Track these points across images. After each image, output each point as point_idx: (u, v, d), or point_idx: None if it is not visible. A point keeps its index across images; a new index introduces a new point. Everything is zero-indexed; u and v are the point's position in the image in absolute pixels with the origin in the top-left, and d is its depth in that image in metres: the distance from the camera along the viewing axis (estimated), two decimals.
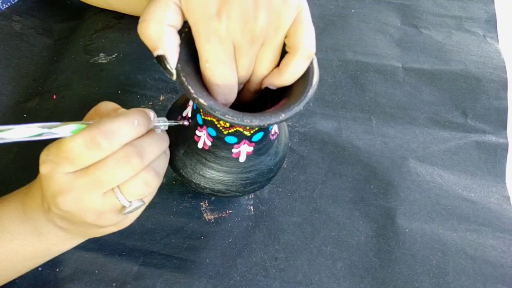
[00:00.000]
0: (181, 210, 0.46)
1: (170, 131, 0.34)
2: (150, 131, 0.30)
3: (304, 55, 0.28)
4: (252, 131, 0.32)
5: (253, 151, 0.35)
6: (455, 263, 0.45)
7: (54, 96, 0.52)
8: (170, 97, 0.53)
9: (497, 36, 0.65)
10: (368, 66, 0.60)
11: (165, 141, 0.31)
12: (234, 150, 0.34)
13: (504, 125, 0.56)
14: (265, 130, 0.34)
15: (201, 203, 0.46)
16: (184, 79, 0.27)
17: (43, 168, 0.27)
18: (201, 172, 0.35)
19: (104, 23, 0.60)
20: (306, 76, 0.30)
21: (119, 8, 0.60)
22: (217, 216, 0.46)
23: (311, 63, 0.30)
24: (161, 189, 0.46)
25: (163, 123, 0.31)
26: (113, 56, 0.57)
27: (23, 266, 0.36)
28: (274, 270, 0.43)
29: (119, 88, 0.54)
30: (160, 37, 0.26)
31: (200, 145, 0.34)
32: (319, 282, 0.43)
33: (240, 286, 0.42)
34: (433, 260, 0.45)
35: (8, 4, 0.59)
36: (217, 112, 0.26)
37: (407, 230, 0.46)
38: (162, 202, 0.46)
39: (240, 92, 0.32)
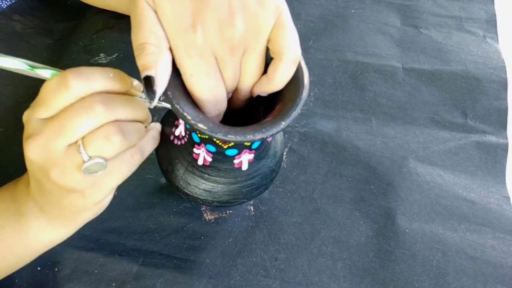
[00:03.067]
0: (181, 210, 0.46)
1: (166, 154, 0.33)
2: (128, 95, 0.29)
3: (291, 60, 0.27)
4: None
5: (254, 157, 0.34)
6: (455, 263, 0.45)
7: None
8: None
9: (497, 36, 0.65)
10: (368, 66, 0.60)
11: (141, 110, 0.29)
12: (236, 161, 0.34)
13: (504, 125, 0.56)
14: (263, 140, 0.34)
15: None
16: (178, 106, 0.26)
17: (24, 114, 0.27)
18: (206, 188, 0.35)
19: (104, 23, 0.60)
20: (296, 77, 0.29)
21: (118, 9, 0.60)
22: (217, 216, 0.46)
23: (300, 67, 0.29)
24: (161, 189, 0.47)
25: (145, 99, 0.29)
26: (113, 56, 0.57)
27: (2, 257, 0.34)
28: (274, 270, 0.43)
29: None
30: (155, 59, 0.25)
31: (200, 162, 0.34)
32: (319, 282, 0.43)
33: (240, 286, 0.42)
34: (433, 260, 0.45)
35: (9, 2, 0.59)
36: (219, 134, 0.26)
37: (407, 230, 0.46)
38: (162, 202, 0.46)
39: (229, 100, 0.31)
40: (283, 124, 0.27)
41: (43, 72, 0.27)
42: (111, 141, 0.26)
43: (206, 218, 0.45)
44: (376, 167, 0.51)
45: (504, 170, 0.52)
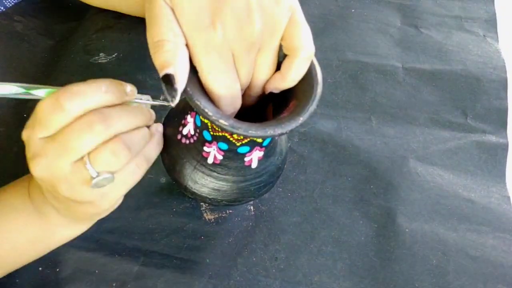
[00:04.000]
0: (181, 210, 0.46)
1: (172, 154, 0.33)
2: (125, 103, 0.28)
3: (305, 57, 0.28)
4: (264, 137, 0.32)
5: (263, 155, 0.34)
6: (455, 263, 0.45)
7: None
8: None
9: (497, 36, 0.65)
10: (368, 66, 0.60)
11: (141, 115, 0.29)
12: (246, 159, 0.34)
13: (504, 125, 0.56)
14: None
15: (201, 203, 0.46)
16: (199, 103, 0.26)
17: (24, 133, 0.27)
18: (215, 187, 0.35)
19: (104, 23, 0.60)
20: (308, 74, 0.30)
21: (119, 8, 0.60)
22: (217, 216, 0.46)
23: (312, 65, 0.30)
24: (161, 189, 0.47)
25: (143, 100, 0.30)
26: (113, 56, 0.57)
27: (26, 251, 0.35)
28: (274, 270, 0.43)
29: None
30: (174, 56, 0.25)
31: (210, 160, 0.34)
32: (319, 282, 0.43)
33: (240, 286, 0.42)
34: (433, 260, 0.45)
35: (12, 3, 0.59)
36: (240, 130, 0.26)
37: (407, 230, 0.46)
38: (162, 202, 0.46)
39: (243, 99, 0.31)
40: (301, 119, 0.27)
41: (38, 92, 0.26)
42: (118, 156, 0.27)
43: (206, 218, 0.46)
44: (376, 167, 0.51)
45: (504, 170, 0.52)
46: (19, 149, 0.49)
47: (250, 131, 0.26)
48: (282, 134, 0.27)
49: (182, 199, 0.46)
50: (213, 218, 0.46)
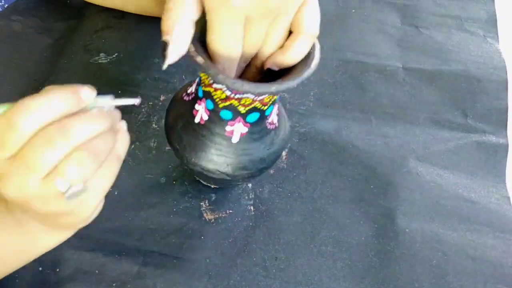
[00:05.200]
0: (181, 210, 0.46)
1: (171, 106, 0.35)
2: (83, 110, 0.27)
3: (310, 34, 0.29)
4: (247, 108, 0.33)
5: (247, 132, 0.35)
6: (455, 263, 0.45)
7: None
8: (170, 97, 0.53)
9: (497, 36, 0.65)
10: (368, 66, 0.60)
11: (102, 120, 0.27)
12: (228, 128, 0.34)
13: (504, 125, 0.56)
14: (261, 112, 0.34)
15: (201, 203, 0.46)
16: (193, 50, 0.28)
17: None
18: (194, 148, 0.36)
19: (104, 23, 0.60)
20: (308, 58, 0.30)
21: (120, 6, 0.60)
22: (217, 216, 0.46)
23: (313, 48, 0.31)
24: (161, 189, 0.47)
25: (105, 101, 0.28)
26: (113, 56, 0.57)
27: (11, 263, 0.35)
28: (274, 270, 0.43)
29: (119, 88, 0.54)
30: (173, 26, 0.26)
31: (197, 119, 0.35)
32: (319, 282, 0.43)
33: (240, 286, 0.42)
34: (433, 260, 0.45)
35: (8, 3, 0.59)
36: (211, 70, 0.27)
37: (407, 230, 0.46)
38: (162, 202, 0.46)
39: (245, 71, 0.32)
40: (274, 88, 0.28)
41: None
42: (86, 165, 0.26)
43: (206, 218, 0.46)
44: (376, 167, 0.51)
45: (504, 170, 0.52)
46: None
47: (219, 76, 0.27)
48: (249, 91, 0.28)
49: (182, 199, 0.46)
50: (213, 218, 0.46)
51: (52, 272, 0.41)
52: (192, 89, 0.36)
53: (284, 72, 0.31)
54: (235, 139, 0.35)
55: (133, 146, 0.49)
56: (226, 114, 0.34)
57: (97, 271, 0.41)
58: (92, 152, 0.26)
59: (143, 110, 0.52)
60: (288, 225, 0.46)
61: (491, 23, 0.67)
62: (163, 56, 0.27)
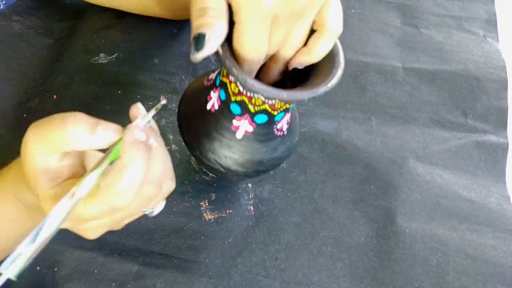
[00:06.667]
0: (181, 210, 0.46)
1: (192, 85, 0.36)
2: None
3: (334, 32, 0.29)
4: (256, 109, 0.33)
5: (252, 132, 0.35)
6: (455, 263, 0.45)
7: (54, 96, 0.52)
8: (170, 97, 0.53)
9: (497, 36, 0.65)
10: (368, 66, 0.60)
11: (142, 155, 0.25)
12: (235, 122, 0.34)
13: (504, 125, 0.56)
14: (271, 116, 0.34)
15: (201, 203, 0.46)
16: (220, 49, 0.28)
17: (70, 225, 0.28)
18: (199, 133, 0.36)
19: (104, 23, 0.60)
20: (329, 57, 0.31)
21: (120, 6, 0.60)
22: (217, 216, 0.46)
23: (336, 44, 0.31)
24: None
25: (146, 120, 0.27)
26: (113, 56, 0.57)
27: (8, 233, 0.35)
28: (274, 270, 0.43)
29: (119, 88, 0.54)
30: (214, 22, 0.26)
31: (208, 106, 0.35)
32: (319, 282, 0.43)
33: (240, 286, 0.42)
34: (433, 260, 0.45)
35: (9, 3, 0.59)
36: (226, 61, 0.27)
37: (407, 230, 0.46)
38: None
39: (264, 72, 0.32)
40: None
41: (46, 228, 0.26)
42: (151, 196, 0.28)
43: (206, 218, 0.45)
44: (376, 167, 0.51)
45: (504, 170, 0.52)
46: (20, 149, 0.49)
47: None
48: (283, 100, 0.28)
49: (182, 199, 0.46)
50: (213, 218, 0.46)
51: (51, 272, 0.41)
52: (213, 75, 0.37)
53: (307, 76, 0.31)
54: (239, 135, 0.35)
55: None
56: (235, 108, 0.34)
57: (96, 271, 0.41)
58: (156, 185, 0.28)
59: None
60: (288, 225, 0.46)
61: (491, 23, 0.67)
62: (196, 50, 0.26)
